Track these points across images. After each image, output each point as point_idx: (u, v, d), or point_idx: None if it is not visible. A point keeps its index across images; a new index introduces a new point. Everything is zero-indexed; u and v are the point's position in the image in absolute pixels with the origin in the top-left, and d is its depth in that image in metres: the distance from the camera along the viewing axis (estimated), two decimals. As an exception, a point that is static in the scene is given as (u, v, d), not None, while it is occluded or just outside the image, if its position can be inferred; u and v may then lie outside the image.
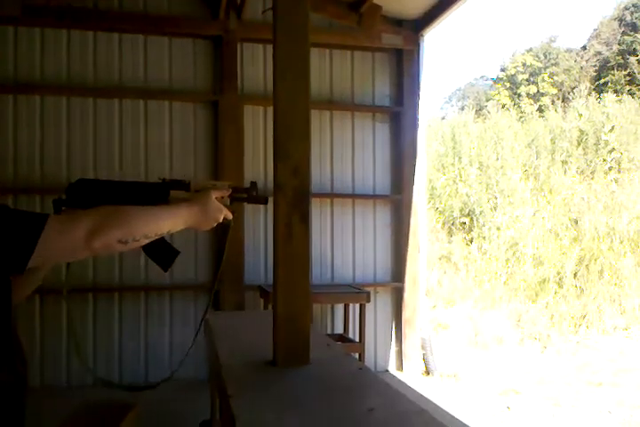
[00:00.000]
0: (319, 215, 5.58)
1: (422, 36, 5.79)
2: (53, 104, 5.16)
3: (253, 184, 1.68)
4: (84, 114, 5.22)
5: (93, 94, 5.23)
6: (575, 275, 7.94)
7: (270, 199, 1.87)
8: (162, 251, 1.48)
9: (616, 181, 9.50)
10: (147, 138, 5.34)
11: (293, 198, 2.08)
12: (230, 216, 1.56)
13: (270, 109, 5.26)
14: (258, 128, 5.55)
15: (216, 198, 1.52)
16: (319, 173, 5.60)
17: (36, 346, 4.96)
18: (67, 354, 5.07)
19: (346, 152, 5.81)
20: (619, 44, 18.83)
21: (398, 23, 5.75)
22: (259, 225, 5.51)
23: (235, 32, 5.36)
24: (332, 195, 5.69)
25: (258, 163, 5.52)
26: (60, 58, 5.19)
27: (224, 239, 1.66)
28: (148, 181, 1.60)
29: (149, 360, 5.24)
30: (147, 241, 1.35)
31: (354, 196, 5.78)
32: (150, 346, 5.26)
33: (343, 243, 5.76)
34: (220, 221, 1.54)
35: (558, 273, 7.96)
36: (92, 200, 1.51)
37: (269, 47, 5.34)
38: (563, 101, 13.06)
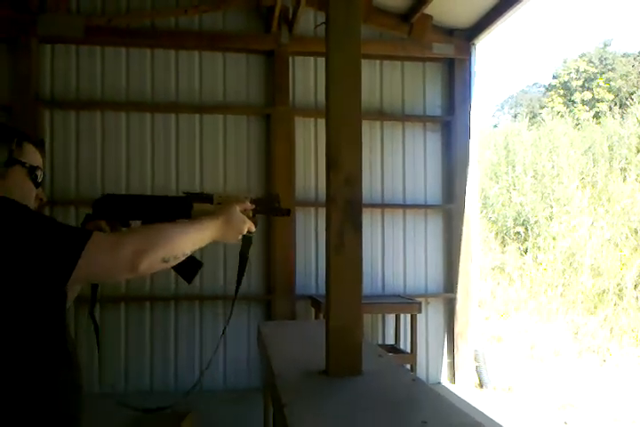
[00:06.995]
0: (370, 226, 5.57)
1: (474, 44, 5.74)
2: (113, 119, 5.35)
3: (276, 196, 1.70)
4: (143, 128, 5.39)
5: (151, 109, 5.40)
6: (636, 286, 7.65)
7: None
8: (186, 263, 1.47)
9: (679, 188, 9.14)
10: (202, 150, 5.47)
11: (345, 208, 2.10)
12: (253, 229, 1.56)
13: (321, 121, 5.35)
14: (309, 140, 5.60)
15: (239, 211, 1.53)
16: (370, 184, 5.59)
17: (94, 353, 5.11)
18: (125, 361, 5.22)
19: (396, 162, 5.79)
20: (680, 48, 18.15)
21: (449, 32, 5.72)
22: (310, 235, 5.55)
23: (286, 46, 5.46)
24: (383, 205, 5.68)
25: (309, 174, 5.58)
26: (119, 75, 5.39)
27: (245, 252, 1.65)
28: (175, 195, 1.63)
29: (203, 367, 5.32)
30: (183, 258, 1.37)
31: (405, 206, 5.75)
32: (204, 353, 5.34)
33: (394, 253, 5.73)
34: (245, 233, 1.54)
35: (618, 284, 7.69)
36: (118, 214, 1.58)
37: (320, 60, 5.44)
38: (620, 107, 12.66)
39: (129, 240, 1.26)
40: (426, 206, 5.79)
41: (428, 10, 5.33)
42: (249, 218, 1.55)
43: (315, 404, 1.78)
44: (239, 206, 1.53)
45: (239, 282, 1.70)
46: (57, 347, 1.35)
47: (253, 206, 1.59)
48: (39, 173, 1.47)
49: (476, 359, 5.62)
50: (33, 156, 1.46)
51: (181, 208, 1.57)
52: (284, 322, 4.74)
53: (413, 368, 4.98)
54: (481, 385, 5.54)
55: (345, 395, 1.86)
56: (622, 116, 11.58)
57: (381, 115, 5.75)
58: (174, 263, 1.35)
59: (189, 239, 1.37)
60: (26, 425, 1.27)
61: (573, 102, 18.32)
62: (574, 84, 19.62)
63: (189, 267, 1.54)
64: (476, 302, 5.83)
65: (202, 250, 1.42)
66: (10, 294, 1.23)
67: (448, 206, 5.78)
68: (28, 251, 1.19)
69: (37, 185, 1.47)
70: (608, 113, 12.49)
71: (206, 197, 1.59)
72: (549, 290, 8.16)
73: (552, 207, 9.29)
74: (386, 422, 1.61)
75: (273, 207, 1.68)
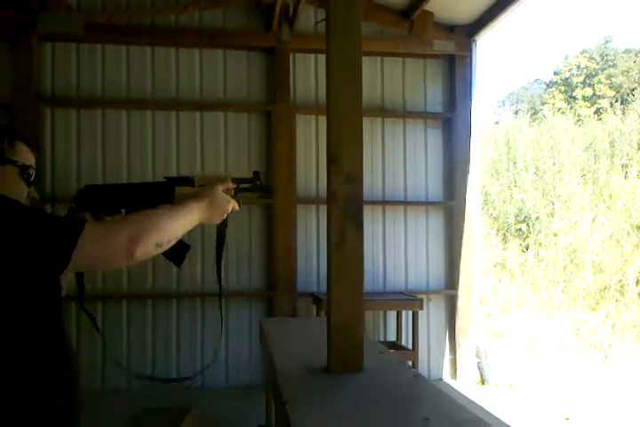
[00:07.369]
0: (371, 223, 5.57)
1: (475, 41, 5.73)
2: (114, 117, 5.35)
3: (256, 174, 1.70)
4: (143, 126, 5.39)
5: (152, 107, 5.40)
6: (638, 282, 7.65)
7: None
8: (174, 247, 1.44)
9: (680, 184, 9.13)
10: (202, 148, 5.47)
11: (346, 205, 2.10)
12: (237, 207, 1.57)
13: (321, 118, 5.34)
14: (310, 137, 5.60)
15: (222, 191, 1.54)
16: (371, 181, 5.59)
17: (97, 349, 5.12)
18: (127, 358, 5.22)
19: (397, 159, 5.79)
20: (681, 43, 18.11)
21: (450, 29, 5.71)
22: (311, 232, 5.56)
23: (287, 43, 5.45)
24: (384, 202, 5.68)
25: (310, 170, 5.58)
26: (119, 73, 5.39)
27: (222, 231, 1.65)
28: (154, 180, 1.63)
29: (205, 364, 5.33)
30: (175, 242, 1.38)
31: (406, 203, 5.75)
32: (206, 350, 5.35)
33: (395, 250, 5.73)
34: (229, 212, 1.56)
35: (620, 281, 7.69)
36: (102, 204, 1.56)
37: (320, 57, 5.43)
38: (621, 104, 12.64)
39: (122, 227, 1.27)
40: (427, 203, 5.80)
41: (429, 6, 5.32)
42: (232, 197, 1.56)
43: (316, 401, 1.78)
44: (221, 186, 1.54)
45: (219, 261, 1.67)
46: (54, 342, 1.36)
47: (235, 186, 1.60)
48: (31, 172, 1.47)
49: (477, 356, 5.62)
50: (25, 155, 1.46)
51: (164, 193, 1.57)
52: (286, 319, 4.75)
53: (415, 365, 4.98)
54: (482, 381, 5.55)
55: (347, 392, 1.86)
56: (623, 113, 11.56)
57: (382, 111, 5.75)
58: (167, 247, 1.36)
59: (179, 223, 1.38)
60: (24, 421, 1.27)
61: (574, 99, 18.28)
62: (575, 80, 19.58)
63: (177, 250, 1.53)
64: (478, 298, 5.83)
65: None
66: (5, 288, 1.24)
67: (449, 203, 5.77)
68: (23, 244, 1.20)
69: (29, 184, 1.47)
70: (609, 109, 12.47)
71: (188, 180, 1.59)
72: (551, 286, 8.16)
73: (553, 204, 9.28)
74: (388, 419, 1.62)
75: (254, 185, 1.68)
